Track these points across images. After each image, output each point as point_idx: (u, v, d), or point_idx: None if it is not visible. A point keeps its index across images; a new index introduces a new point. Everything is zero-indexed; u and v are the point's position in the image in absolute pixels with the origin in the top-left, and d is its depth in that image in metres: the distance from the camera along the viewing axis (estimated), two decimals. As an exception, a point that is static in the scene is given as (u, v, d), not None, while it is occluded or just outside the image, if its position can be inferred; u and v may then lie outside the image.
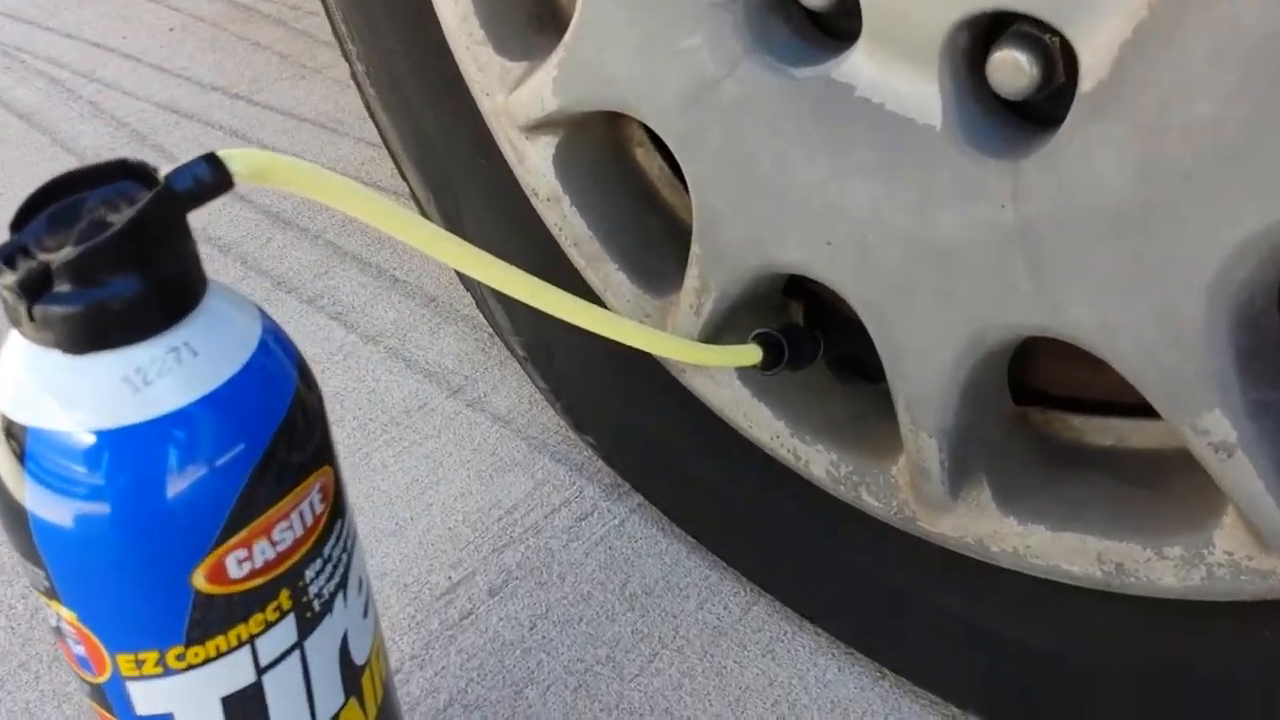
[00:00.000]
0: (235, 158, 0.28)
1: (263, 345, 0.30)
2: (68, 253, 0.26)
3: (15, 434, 0.27)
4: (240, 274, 0.84)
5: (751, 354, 0.45)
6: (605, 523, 0.61)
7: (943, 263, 0.38)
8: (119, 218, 0.27)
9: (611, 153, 0.53)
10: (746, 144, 0.41)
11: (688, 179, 0.44)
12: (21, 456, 0.27)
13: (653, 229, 0.53)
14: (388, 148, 0.62)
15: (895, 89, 0.36)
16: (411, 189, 0.62)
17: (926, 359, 0.40)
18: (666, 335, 0.43)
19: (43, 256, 0.26)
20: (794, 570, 0.53)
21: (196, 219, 0.89)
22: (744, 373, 0.49)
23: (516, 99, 0.50)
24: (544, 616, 0.56)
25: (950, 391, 0.41)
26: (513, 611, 0.56)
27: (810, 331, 0.48)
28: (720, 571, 0.58)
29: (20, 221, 0.27)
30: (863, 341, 0.44)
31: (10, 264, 0.26)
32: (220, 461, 0.28)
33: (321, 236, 0.88)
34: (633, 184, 0.54)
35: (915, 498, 0.45)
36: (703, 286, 0.47)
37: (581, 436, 0.61)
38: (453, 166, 0.58)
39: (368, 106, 0.62)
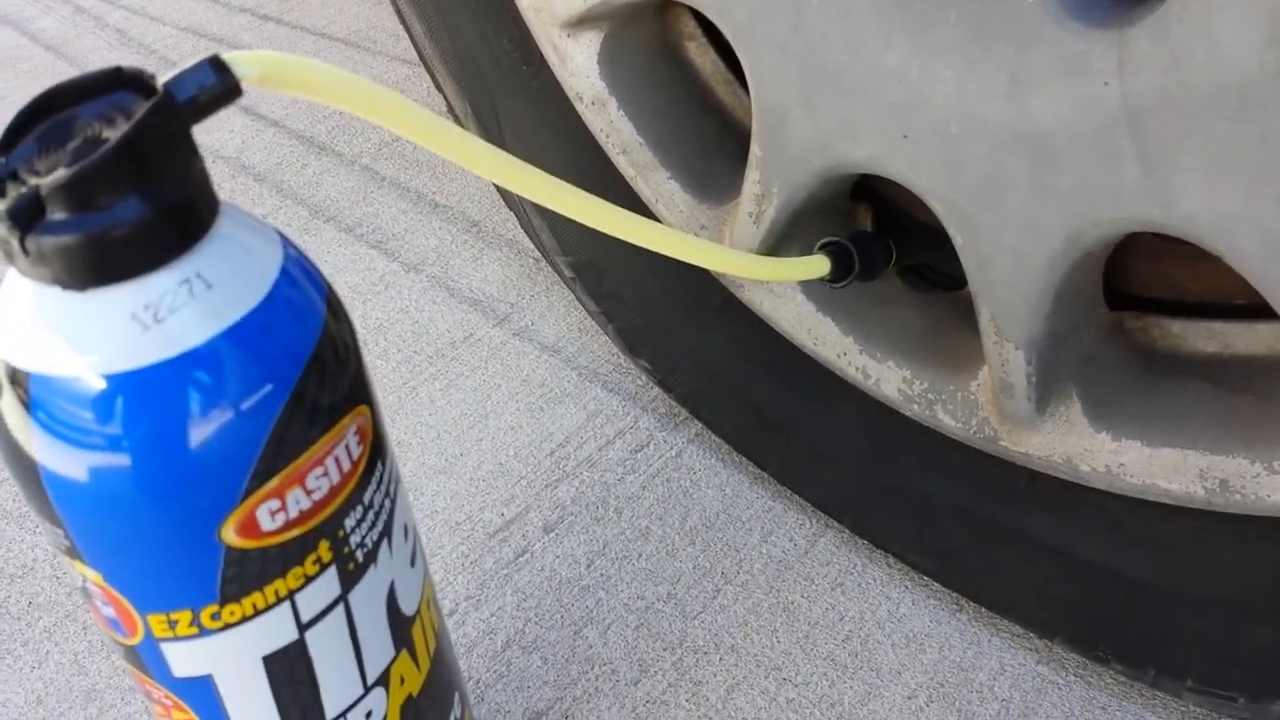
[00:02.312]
0: (242, 60, 0.25)
1: (284, 274, 0.27)
2: (59, 175, 0.23)
3: (20, 381, 0.25)
4: (277, 203, 0.82)
5: (819, 265, 0.42)
6: (662, 454, 0.59)
7: (1037, 152, 0.35)
8: (114, 133, 0.24)
9: (661, 49, 0.50)
10: (815, 28, 0.38)
11: (747, 73, 0.42)
12: (29, 406, 0.25)
13: (707, 132, 0.51)
14: (421, 58, 0.60)
15: (981, -44, 0.33)
16: (448, 102, 0.60)
17: (1017, 263, 0.38)
18: (725, 249, 0.40)
19: (33, 181, 0.23)
20: (865, 498, 0.51)
21: (228, 147, 0.86)
22: (808, 286, 0.47)
23: (556, -9, 0.47)
24: (601, 553, 0.54)
25: (1043, 298, 0.38)
26: (569, 549, 0.54)
27: (882, 238, 0.44)
28: (784, 502, 0.56)
29: (8, 143, 0.24)
30: (939, 247, 0.41)
31: (-1, 190, 0.23)
32: (244, 404, 0.25)
33: (358, 161, 0.86)
34: (685, 83, 0.51)
35: (997, 415, 0.43)
36: (763, 192, 0.44)
37: (635, 361, 0.59)
38: (491, 74, 0.56)
39: (399, 13, 0.59)
